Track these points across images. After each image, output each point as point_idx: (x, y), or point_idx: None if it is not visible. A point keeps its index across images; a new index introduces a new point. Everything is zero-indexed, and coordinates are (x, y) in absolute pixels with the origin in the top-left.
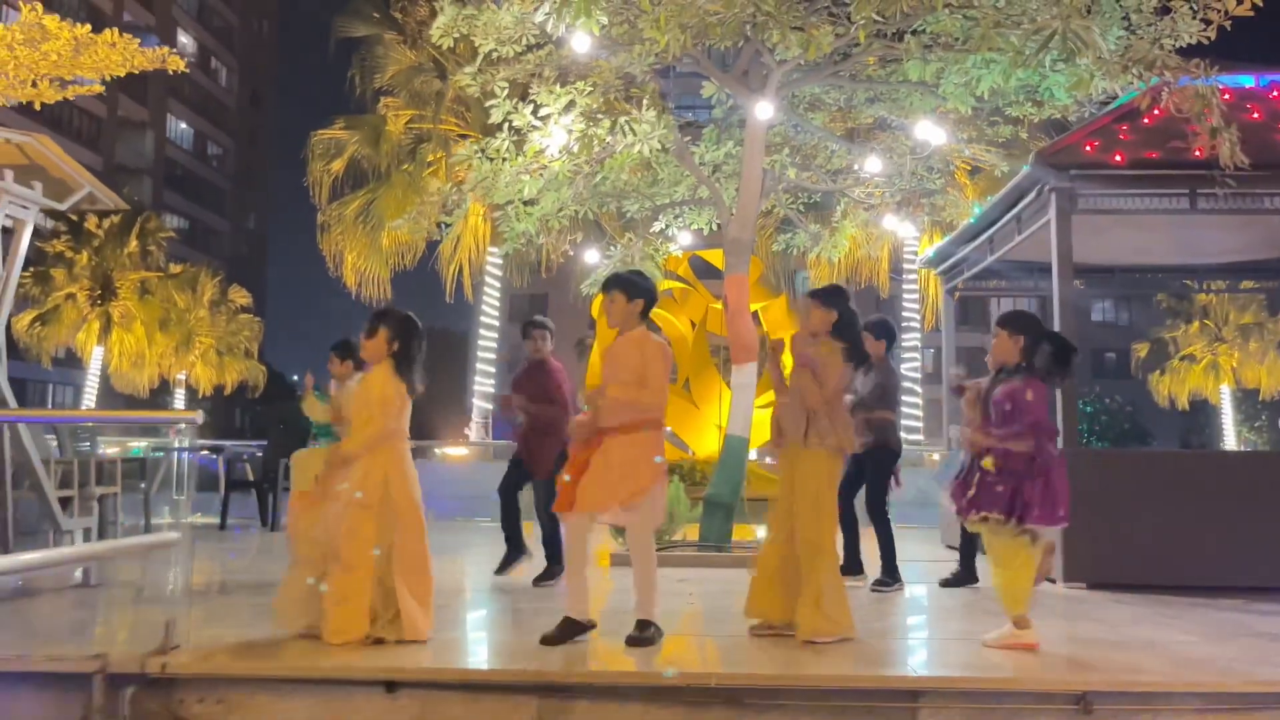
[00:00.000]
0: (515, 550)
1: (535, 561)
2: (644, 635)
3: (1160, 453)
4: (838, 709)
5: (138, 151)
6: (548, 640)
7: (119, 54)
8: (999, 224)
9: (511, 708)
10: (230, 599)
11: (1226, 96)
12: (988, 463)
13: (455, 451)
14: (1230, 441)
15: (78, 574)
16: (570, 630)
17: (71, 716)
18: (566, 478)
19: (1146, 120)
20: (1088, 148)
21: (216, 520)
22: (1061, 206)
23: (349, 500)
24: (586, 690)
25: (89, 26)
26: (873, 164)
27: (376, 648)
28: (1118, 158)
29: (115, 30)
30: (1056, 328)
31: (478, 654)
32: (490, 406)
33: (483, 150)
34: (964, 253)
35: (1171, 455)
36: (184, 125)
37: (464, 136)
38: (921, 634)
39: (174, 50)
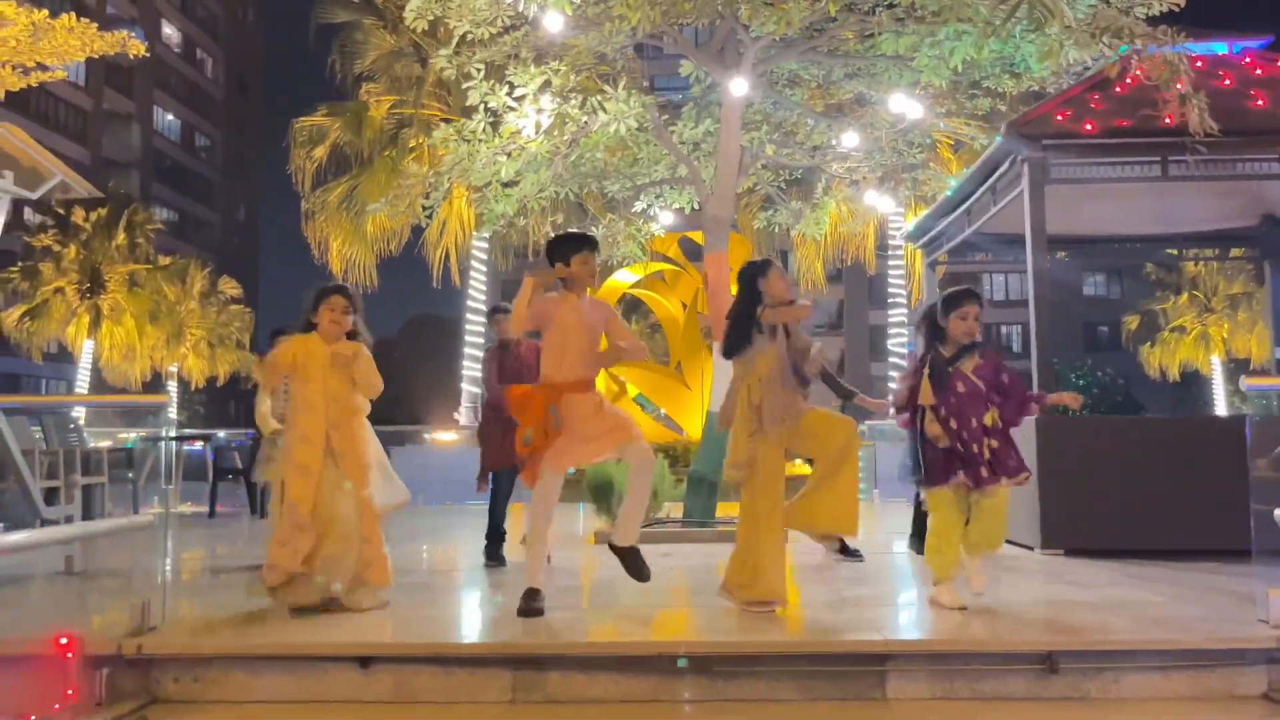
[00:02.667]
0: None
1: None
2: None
3: (1131, 419)
4: (808, 674)
5: (125, 144)
6: (526, 612)
7: (77, 39)
8: (974, 196)
9: (484, 680)
10: (218, 583)
11: (1199, 64)
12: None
13: (445, 436)
14: (1222, 411)
15: (62, 562)
16: (538, 598)
17: (47, 699)
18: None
19: (1118, 89)
20: (1059, 117)
21: (205, 509)
22: (1034, 177)
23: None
24: (559, 661)
25: (46, 12)
26: (850, 139)
27: (350, 624)
28: (1088, 127)
29: (73, 15)
30: (1031, 299)
31: (450, 629)
32: (479, 390)
33: (458, 132)
34: (942, 226)
35: (1142, 421)
36: (171, 117)
37: (446, 120)
38: (890, 601)
39: (133, 35)
